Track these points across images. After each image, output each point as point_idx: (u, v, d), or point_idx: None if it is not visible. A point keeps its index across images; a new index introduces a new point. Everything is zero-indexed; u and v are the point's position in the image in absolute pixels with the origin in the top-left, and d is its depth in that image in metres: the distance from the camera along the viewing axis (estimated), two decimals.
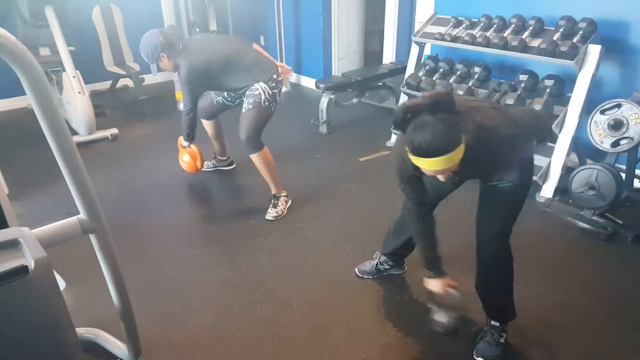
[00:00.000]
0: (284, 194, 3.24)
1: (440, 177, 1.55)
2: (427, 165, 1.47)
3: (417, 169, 1.61)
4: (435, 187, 2.01)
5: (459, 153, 1.45)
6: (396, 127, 1.51)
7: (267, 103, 3.00)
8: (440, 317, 1.93)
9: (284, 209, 3.20)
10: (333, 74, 6.08)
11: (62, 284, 2.30)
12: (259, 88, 2.98)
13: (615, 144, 2.82)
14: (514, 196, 1.81)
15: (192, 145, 3.39)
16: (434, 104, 1.42)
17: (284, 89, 6.21)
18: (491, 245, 1.89)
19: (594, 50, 3.05)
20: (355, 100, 4.99)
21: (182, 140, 3.39)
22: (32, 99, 1.09)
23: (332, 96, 4.64)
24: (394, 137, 4.34)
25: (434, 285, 1.92)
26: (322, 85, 4.62)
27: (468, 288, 2.07)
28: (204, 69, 2.99)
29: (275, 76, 3.04)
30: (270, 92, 3.01)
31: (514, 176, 1.76)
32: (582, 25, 3.15)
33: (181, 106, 5.44)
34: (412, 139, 1.45)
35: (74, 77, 4.34)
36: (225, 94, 3.33)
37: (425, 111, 1.43)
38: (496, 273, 1.95)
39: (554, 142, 3.24)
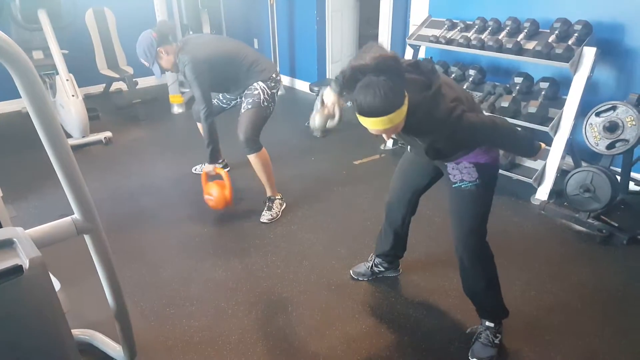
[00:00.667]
0: (279, 197, 3.23)
1: (385, 137, 1.68)
2: (368, 124, 1.58)
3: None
4: (411, 180, 2.15)
5: (397, 116, 1.53)
6: (344, 85, 1.65)
7: (265, 103, 2.98)
8: (319, 119, 1.91)
9: (279, 211, 3.19)
10: (327, 77, 6.08)
11: (56, 284, 2.27)
12: (258, 88, 2.96)
13: (610, 146, 2.84)
14: (477, 196, 1.86)
15: (220, 171, 3.06)
16: (379, 64, 1.51)
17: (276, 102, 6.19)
18: (463, 244, 1.92)
19: (589, 53, 3.07)
20: (349, 103, 4.97)
21: (206, 169, 3.09)
22: (26, 99, 1.07)
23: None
24: (388, 141, 4.34)
25: (328, 95, 1.90)
26: (316, 89, 4.63)
27: (460, 289, 2.07)
28: (207, 64, 2.90)
29: (274, 75, 3.03)
30: (269, 92, 2.99)
31: (473, 175, 1.82)
32: (577, 27, 3.17)
33: (175, 109, 5.47)
34: (357, 97, 1.55)
35: (67, 80, 4.32)
36: (220, 96, 3.31)
37: (371, 72, 1.52)
38: (475, 271, 1.97)
39: (549, 144, 3.26)
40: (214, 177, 3.11)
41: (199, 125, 3.55)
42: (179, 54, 2.93)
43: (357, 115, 1.59)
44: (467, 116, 1.66)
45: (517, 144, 1.88)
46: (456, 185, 1.86)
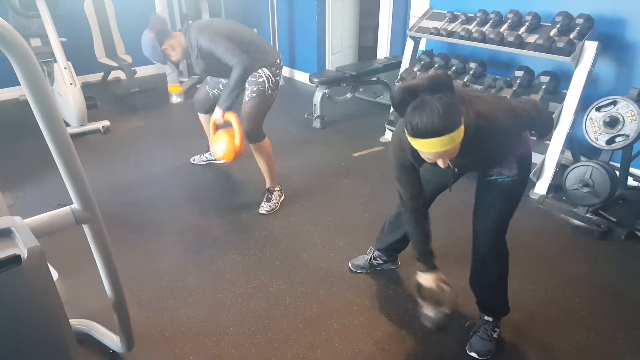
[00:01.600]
0: (278, 188, 3.22)
1: (440, 163, 1.50)
2: (426, 146, 1.43)
3: (415, 157, 1.60)
4: (433, 180, 2.03)
5: (459, 134, 1.42)
6: (394, 108, 1.50)
7: (270, 91, 2.95)
8: (430, 312, 1.89)
9: (278, 203, 3.18)
10: (327, 68, 6.06)
11: (54, 274, 2.27)
12: (263, 75, 2.91)
13: (610, 141, 2.83)
14: (512, 191, 1.81)
15: (232, 117, 2.89)
16: (432, 84, 1.40)
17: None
18: (489, 240, 1.89)
19: (590, 47, 3.05)
20: (349, 95, 4.97)
21: (215, 115, 2.91)
22: (26, 87, 1.06)
23: (326, 91, 4.61)
24: (388, 133, 4.33)
25: (426, 279, 1.89)
26: (315, 80, 4.60)
27: (461, 283, 2.07)
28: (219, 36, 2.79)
29: (278, 61, 2.98)
30: (274, 80, 2.95)
31: (513, 171, 1.76)
32: (579, 21, 3.15)
33: (174, 99, 5.44)
34: (410, 119, 1.41)
35: (65, 68, 4.28)
36: (220, 85, 3.28)
37: (424, 91, 1.41)
38: (492, 268, 1.95)
39: (549, 139, 3.25)
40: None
41: (200, 115, 3.54)
42: (186, 37, 2.86)
43: (411, 140, 1.45)
44: (512, 106, 1.63)
45: (551, 126, 1.85)
46: (492, 178, 1.79)
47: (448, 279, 1.89)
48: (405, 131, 1.46)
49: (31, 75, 1.05)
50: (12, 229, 1.11)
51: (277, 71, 2.99)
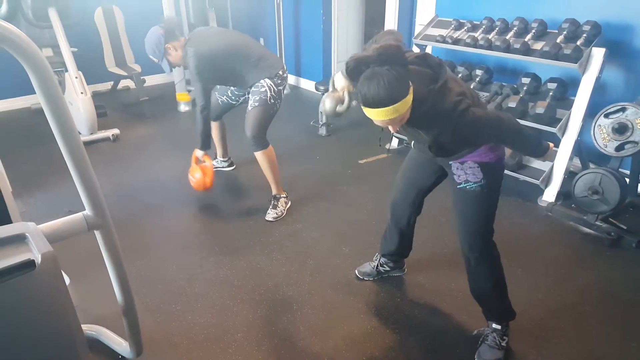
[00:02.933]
0: (284, 195, 3.23)
1: (391, 129, 1.64)
2: (374, 115, 1.55)
3: None
4: (415, 180, 2.14)
5: (402, 106, 1.51)
6: (348, 76, 1.63)
7: (272, 100, 2.98)
8: (329, 103, 1.89)
9: (284, 210, 3.19)
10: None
11: (66, 280, 2.29)
12: (265, 85, 2.96)
13: (619, 148, 2.82)
14: (482, 196, 1.84)
15: (206, 159, 3.21)
16: (382, 54, 1.49)
17: (283, 91, 6.20)
18: (470, 245, 1.91)
19: (597, 54, 3.05)
20: (354, 102, 4.97)
21: (196, 153, 3.19)
22: (40, 95, 1.09)
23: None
24: (393, 140, 4.34)
25: (339, 79, 1.89)
26: (322, 88, 4.63)
27: (466, 290, 2.07)
28: (211, 58, 2.89)
29: (280, 72, 3.02)
30: (276, 89, 2.99)
31: (478, 176, 1.81)
32: (586, 28, 3.15)
33: (182, 107, 5.48)
34: (361, 89, 1.53)
35: (76, 77, 4.34)
36: (229, 92, 3.32)
37: (374, 63, 1.50)
38: (481, 271, 1.96)
39: (557, 145, 3.24)
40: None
41: (212, 123, 3.57)
42: (185, 46, 2.93)
43: (362, 107, 1.58)
44: (472, 110, 1.64)
45: (523, 142, 1.86)
46: (461, 186, 1.86)
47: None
48: (358, 96, 1.57)
49: (46, 84, 1.07)
50: (26, 234, 1.12)
51: (280, 81, 3.02)
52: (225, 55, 2.93)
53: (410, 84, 1.53)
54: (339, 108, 1.88)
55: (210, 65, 2.91)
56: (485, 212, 1.88)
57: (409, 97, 1.53)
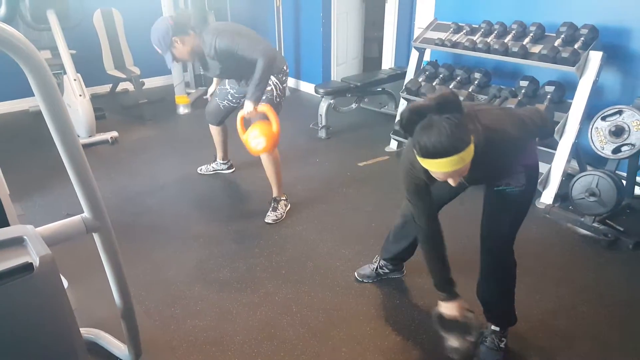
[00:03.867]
0: (284, 198, 3.24)
1: (451, 182, 1.50)
2: (437, 166, 1.42)
3: (427, 176, 1.59)
4: (439, 192, 2.00)
5: (468, 153, 1.41)
6: (403, 129, 1.48)
7: (278, 99, 2.99)
8: (456, 342, 1.87)
9: (284, 212, 3.19)
10: (332, 79, 6.10)
11: (64, 283, 2.29)
12: (271, 83, 2.94)
13: (616, 150, 2.83)
14: (521, 201, 1.80)
15: (264, 106, 2.87)
16: (440, 104, 1.40)
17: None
18: (497, 250, 1.89)
19: (595, 57, 3.06)
20: (354, 105, 5.00)
21: (249, 108, 2.85)
22: (39, 97, 1.09)
23: (331, 101, 4.64)
24: (393, 143, 4.35)
25: (448, 308, 1.86)
26: (321, 90, 4.63)
27: (468, 293, 2.07)
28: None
29: (284, 68, 3.02)
30: (281, 87, 3.00)
31: (521, 181, 1.75)
32: (584, 31, 3.17)
33: (181, 110, 5.49)
34: (419, 140, 1.41)
35: (75, 80, 4.34)
36: (229, 96, 3.32)
37: (432, 112, 1.41)
38: (500, 279, 1.95)
39: (555, 148, 3.25)
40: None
41: (212, 127, 3.57)
42: (200, 38, 2.85)
43: (421, 160, 1.45)
44: (520, 117, 1.64)
45: (553, 131, 1.85)
46: (500, 188, 1.77)
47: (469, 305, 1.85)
48: (414, 151, 1.45)
49: (45, 86, 1.08)
50: (25, 237, 1.13)
51: (284, 78, 3.03)
52: (248, 37, 2.85)
53: (470, 128, 1.45)
54: (472, 337, 1.84)
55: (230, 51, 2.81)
56: (518, 218, 1.83)
57: (472, 145, 1.42)
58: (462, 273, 2.03)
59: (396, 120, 1.61)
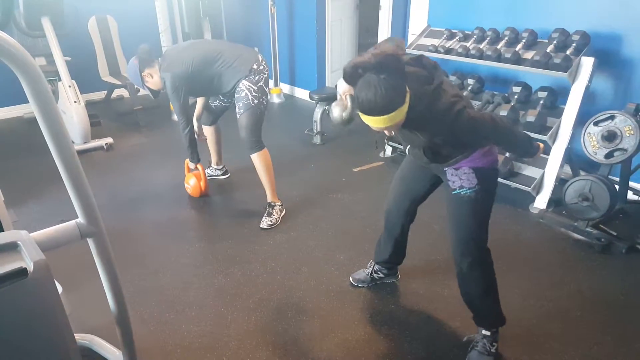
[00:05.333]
0: (279, 203, 3.24)
1: (386, 132, 1.74)
2: (369, 122, 1.60)
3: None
4: (410, 189, 2.16)
5: (398, 114, 1.55)
6: (345, 80, 1.64)
7: (256, 101, 2.99)
8: (334, 111, 1.88)
9: (279, 218, 3.20)
10: (327, 85, 6.12)
11: (59, 288, 2.28)
12: (244, 88, 2.97)
13: (609, 155, 2.85)
14: (477, 202, 1.85)
15: (198, 166, 3.39)
16: (379, 63, 1.51)
17: (277, 100, 6.24)
18: (463, 251, 1.92)
19: (587, 63, 3.10)
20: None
21: (188, 163, 3.40)
22: (33, 103, 1.09)
23: (326, 107, 4.66)
24: (387, 148, 4.36)
25: (341, 85, 1.88)
26: (316, 97, 4.65)
27: (459, 297, 2.08)
28: (186, 75, 2.94)
29: (255, 66, 2.99)
30: (256, 88, 2.99)
31: (473, 182, 1.81)
32: (575, 37, 3.21)
33: (176, 116, 5.48)
34: (358, 95, 1.56)
35: (69, 86, 4.35)
36: (220, 95, 3.34)
37: (372, 70, 1.53)
38: (476, 280, 1.97)
39: (548, 153, 3.28)
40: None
41: (205, 128, 3.61)
42: (160, 72, 3.01)
43: (359, 113, 1.61)
44: (468, 111, 1.67)
45: (517, 142, 1.87)
46: (455, 192, 1.86)
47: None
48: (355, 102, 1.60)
49: (39, 93, 1.08)
50: (19, 242, 1.12)
51: (257, 77, 3.00)
52: (198, 69, 2.96)
53: (408, 90, 1.55)
54: (344, 114, 1.89)
55: (187, 82, 2.97)
56: (480, 219, 1.89)
57: (405, 106, 1.55)
58: (454, 278, 2.03)
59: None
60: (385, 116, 1.54)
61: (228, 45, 3.14)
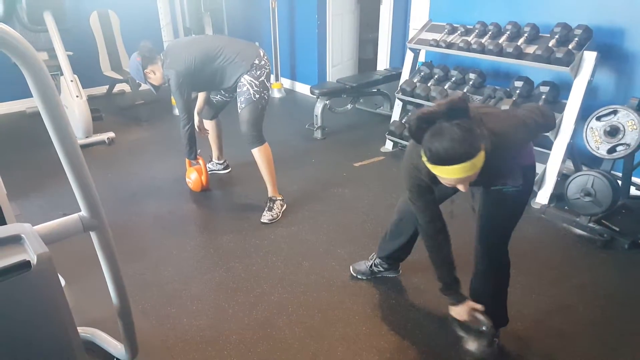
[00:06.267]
0: (280, 198, 3.24)
1: (461, 187, 1.49)
2: (448, 173, 1.41)
3: (432, 179, 1.58)
4: (438, 193, 2.00)
5: (480, 159, 1.40)
6: (412, 136, 1.48)
7: (257, 95, 3.00)
8: (472, 345, 1.87)
9: (279, 212, 3.20)
10: (327, 80, 6.11)
11: (61, 281, 2.29)
12: (245, 83, 2.99)
13: (611, 150, 2.85)
14: (516, 201, 1.80)
15: (200, 161, 3.39)
16: (449, 110, 1.38)
17: (278, 95, 6.23)
18: (492, 251, 1.89)
19: (589, 57, 3.08)
20: (349, 106, 5.02)
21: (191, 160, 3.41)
22: (37, 96, 1.10)
23: (327, 102, 4.66)
24: (388, 143, 4.36)
25: (459, 312, 1.85)
26: (316, 91, 4.65)
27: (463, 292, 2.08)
28: (189, 72, 2.97)
29: (256, 61, 3.01)
30: (257, 82, 3.00)
31: (518, 181, 1.73)
32: (578, 32, 3.19)
33: (177, 111, 5.48)
34: (430, 147, 1.39)
35: (71, 81, 4.35)
36: (222, 90, 3.34)
37: (441, 118, 1.39)
38: (494, 279, 1.96)
39: (550, 148, 3.27)
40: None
41: (205, 122, 3.61)
42: (163, 68, 3.04)
43: (431, 167, 1.44)
44: (524, 121, 1.62)
45: (554, 121, 1.81)
46: (496, 187, 1.75)
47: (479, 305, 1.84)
48: (424, 157, 1.44)
49: (43, 85, 1.08)
50: (22, 235, 1.13)
51: (259, 72, 3.01)
52: (200, 65, 2.98)
53: (479, 133, 1.41)
54: (487, 339, 1.86)
55: (190, 78, 2.99)
56: (514, 218, 1.83)
57: (483, 151, 1.40)
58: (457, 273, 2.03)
59: (405, 125, 1.58)
60: (467, 163, 1.37)
61: (229, 41, 3.14)
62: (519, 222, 1.86)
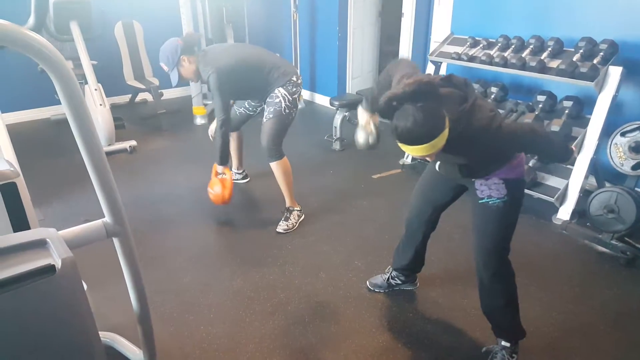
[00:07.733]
0: (298, 208, 3.25)
1: (428, 158, 1.68)
2: (411, 151, 1.56)
3: None
4: (432, 197, 2.13)
5: (439, 140, 1.51)
6: (382, 115, 1.62)
7: (287, 110, 3.02)
8: (360, 136, 2.05)
9: (296, 222, 3.20)
10: (347, 92, 6.13)
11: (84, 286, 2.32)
12: (279, 95, 3.00)
13: (636, 166, 2.80)
14: (504, 213, 1.83)
15: (226, 172, 3.15)
16: (414, 92, 1.49)
17: (298, 106, 6.26)
18: (487, 262, 1.90)
19: (614, 72, 3.04)
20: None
21: (216, 167, 3.15)
22: (65, 103, 1.12)
23: (346, 114, 4.67)
24: (408, 157, 4.34)
25: (361, 115, 2.05)
26: (336, 103, 4.67)
27: (479, 308, 2.05)
28: (230, 73, 2.92)
29: (294, 79, 3.04)
30: (291, 98, 3.02)
31: (502, 192, 1.79)
32: (603, 46, 3.16)
33: (198, 120, 5.56)
34: (396, 126, 1.53)
35: (95, 89, 4.44)
36: (246, 103, 3.37)
37: (407, 100, 1.50)
38: (498, 291, 1.95)
39: (572, 163, 3.23)
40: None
41: (230, 134, 3.61)
42: (200, 64, 2.98)
43: (398, 143, 1.57)
44: (506, 124, 1.66)
45: (554, 150, 1.87)
46: (483, 201, 1.83)
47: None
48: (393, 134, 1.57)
49: (71, 93, 1.11)
50: (47, 239, 1.15)
51: (294, 89, 3.04)
52: (241, 69, 2.97)
53: (445, 114, 1.51)
54: (371, 140, 1.99)
55: (229, 80, 2.93)
56: (505, 230, 1.86)
57: (446, 130, 1.51)
58: (474, 288, 2.01)
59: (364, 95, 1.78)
60: (427, 144, 1.50)
61: (268, 53, 3.15)
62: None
